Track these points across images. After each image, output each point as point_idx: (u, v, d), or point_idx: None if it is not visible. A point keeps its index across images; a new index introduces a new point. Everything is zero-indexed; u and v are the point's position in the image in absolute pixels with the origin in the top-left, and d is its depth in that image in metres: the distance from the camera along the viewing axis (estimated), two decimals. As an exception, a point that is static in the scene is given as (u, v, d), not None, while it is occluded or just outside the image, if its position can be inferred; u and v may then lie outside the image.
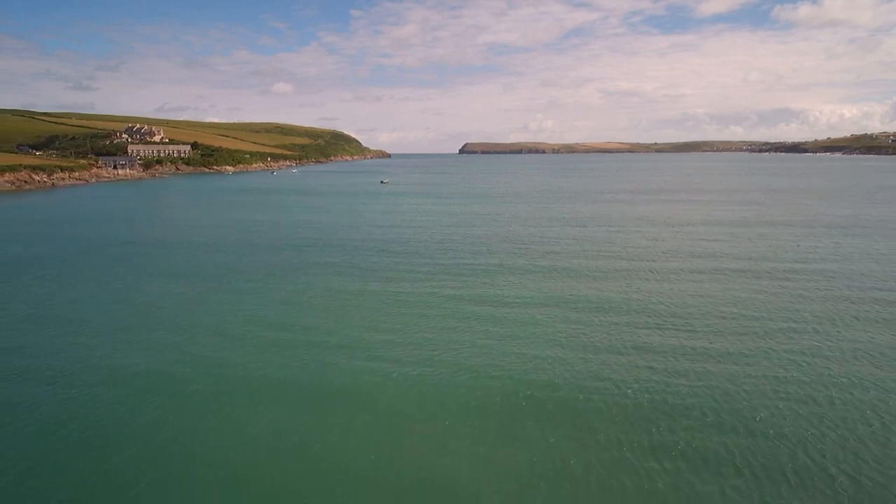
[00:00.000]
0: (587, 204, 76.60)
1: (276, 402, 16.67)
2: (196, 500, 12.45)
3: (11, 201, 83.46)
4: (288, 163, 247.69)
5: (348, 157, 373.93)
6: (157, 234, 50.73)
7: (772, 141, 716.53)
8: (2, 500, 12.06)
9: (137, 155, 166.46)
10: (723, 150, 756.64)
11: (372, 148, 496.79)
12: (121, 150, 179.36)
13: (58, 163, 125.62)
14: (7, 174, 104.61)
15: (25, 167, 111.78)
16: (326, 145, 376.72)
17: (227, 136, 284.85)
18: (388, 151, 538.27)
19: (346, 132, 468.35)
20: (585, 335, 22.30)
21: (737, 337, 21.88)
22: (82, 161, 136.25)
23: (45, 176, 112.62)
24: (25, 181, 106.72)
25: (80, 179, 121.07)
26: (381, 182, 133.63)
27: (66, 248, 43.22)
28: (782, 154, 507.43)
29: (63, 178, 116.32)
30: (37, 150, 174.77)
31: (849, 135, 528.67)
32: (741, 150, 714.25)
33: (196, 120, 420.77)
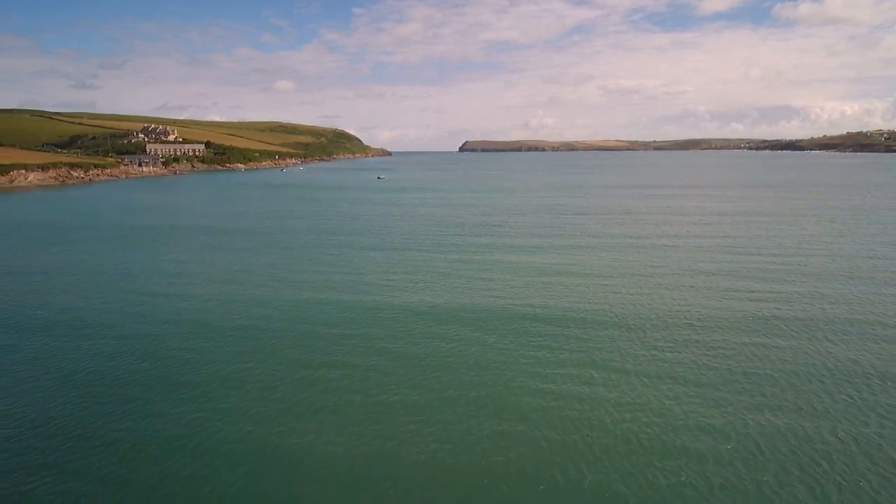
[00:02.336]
0: (566, 198, 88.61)
1: (325, 308, 28.25)
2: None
3: (64, 193, 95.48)
4: (294, 160, 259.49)
5: (350, 156, 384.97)
6: (209, 221, 62.84)
7: (771, 139, 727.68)
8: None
9: (157, 154, 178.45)
10: (722, 147, 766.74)
11: (373, 146, 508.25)
12: (139, 148, 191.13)
13: (91, 161, 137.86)
14: (51, 171, 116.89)
15: (64, 164, 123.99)
16: (329, 144, 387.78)
17: (235, 135, 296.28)
18: (388, 149, 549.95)
19: (347, 130, 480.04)
20: (538, 282, 34.21)
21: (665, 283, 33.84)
22: (110, 159, 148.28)
23: (81, 172, 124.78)
24: (66, 177, 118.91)
25: (111, 176, 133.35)
26: (378, 178, 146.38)
27: (144, 229, 55.34)
28: (778, 152, 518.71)
29: (97, 175, 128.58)
30: (61, 149, 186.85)
31: (845, 132, 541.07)
32: (739, 147, 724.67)
33: (198, 118, 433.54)
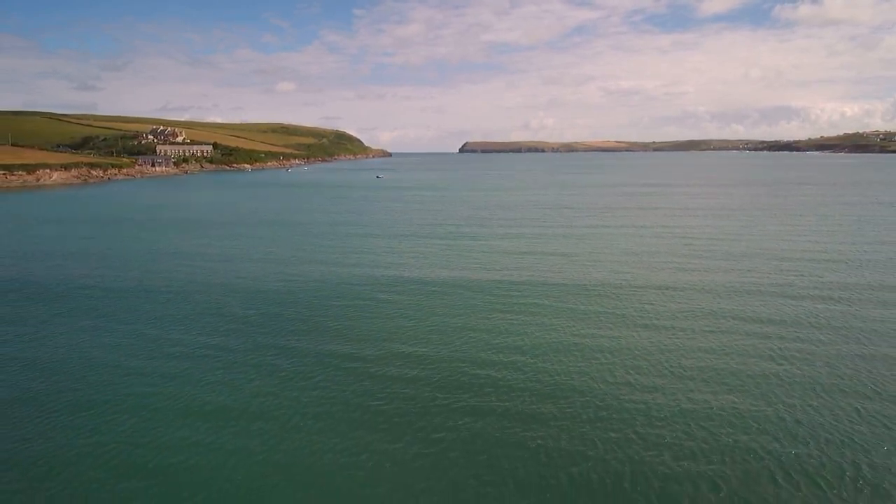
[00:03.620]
0: (555, 195, 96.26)
1: (342, 275, 35.76)
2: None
3: (90, 191, 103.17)
4: (298, 161, 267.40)
5: (351, 156, 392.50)
6: (233, 214, 70.57)
7: (769, 139, 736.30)
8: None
9: (167, 154, 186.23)
10: (720, 148, 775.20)
11: (373, 147, 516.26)
12: (149, 149, 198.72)
13: (109, 161, 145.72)
14: (73, 170, 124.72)
15: (84, 164, 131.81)
16: (331, 145, 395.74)
17: (238, 136, 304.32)
18: (389, 150, 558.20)
19: (347, 131, 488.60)
20: (513, 259, 41.77)
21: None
22: (125, 159, 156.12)
23: (100, 172, 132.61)
24: (87, 176, 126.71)
25: (128, 175, 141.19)
26: (377, 177, 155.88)
27: (181, 221, 63.06)
28: (775, 152, 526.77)
29: (115, 174, 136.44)
30: (74, 149, 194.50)
31: (842, 133, 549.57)
32: (738, 148, 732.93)
33: (199, 119, 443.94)
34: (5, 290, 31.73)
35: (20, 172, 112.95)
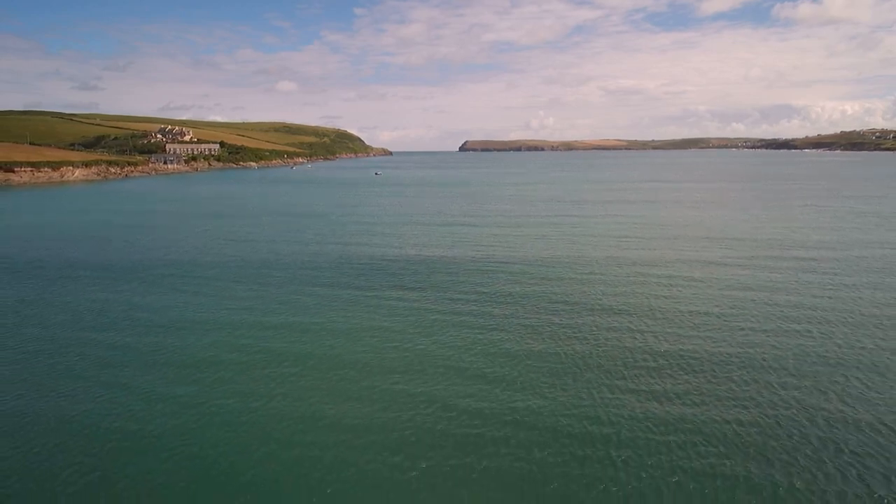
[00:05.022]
0: (539, 190, 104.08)
1: (354, 252, 43.61)
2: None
3: (114, 186, 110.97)
4: (301, 159, 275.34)
5: (352, 155, 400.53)
6: (252, 207, 78.52)
7: (768, 138, 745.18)
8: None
9: (178, 153, 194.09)
10: (720, 146, 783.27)
11: (374, 146, 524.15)
12: (159, 148, 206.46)
13: (125, 159, 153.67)
14: (93, 167, 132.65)
15: (103, 162, 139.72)
16: (332, 143, 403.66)
17: (243, 136, 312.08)
18: (390, 149, 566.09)
19: (349, 130, 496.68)
20: (506, 243, 49.56)
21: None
22: (139, 157, 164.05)
23: (118, 169, 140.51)
24: (106, 173, 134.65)
25: (143, 172, 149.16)
26: (375, 174, 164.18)
27: (211, 214, 70.96)
28: (772, 150, 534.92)
29: (132, 171, 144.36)
30: (87, 148, 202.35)
31: (839, 132, 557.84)
32: (736, 146, 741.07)
33: (200, 119, 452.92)
34: (94, 263, 39.67)
35: (46, 169, 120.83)
